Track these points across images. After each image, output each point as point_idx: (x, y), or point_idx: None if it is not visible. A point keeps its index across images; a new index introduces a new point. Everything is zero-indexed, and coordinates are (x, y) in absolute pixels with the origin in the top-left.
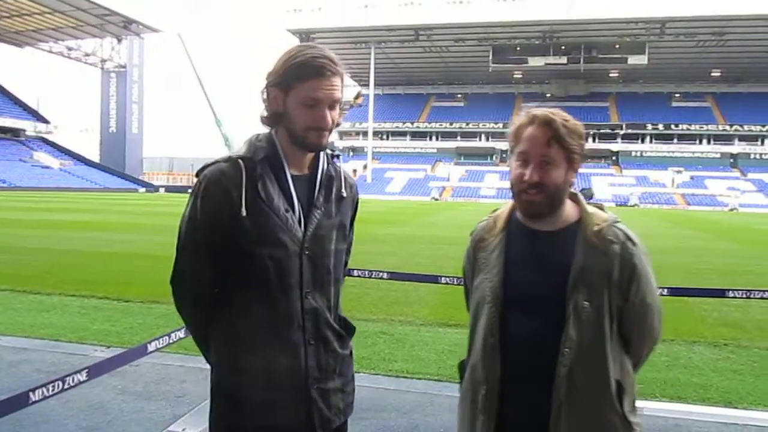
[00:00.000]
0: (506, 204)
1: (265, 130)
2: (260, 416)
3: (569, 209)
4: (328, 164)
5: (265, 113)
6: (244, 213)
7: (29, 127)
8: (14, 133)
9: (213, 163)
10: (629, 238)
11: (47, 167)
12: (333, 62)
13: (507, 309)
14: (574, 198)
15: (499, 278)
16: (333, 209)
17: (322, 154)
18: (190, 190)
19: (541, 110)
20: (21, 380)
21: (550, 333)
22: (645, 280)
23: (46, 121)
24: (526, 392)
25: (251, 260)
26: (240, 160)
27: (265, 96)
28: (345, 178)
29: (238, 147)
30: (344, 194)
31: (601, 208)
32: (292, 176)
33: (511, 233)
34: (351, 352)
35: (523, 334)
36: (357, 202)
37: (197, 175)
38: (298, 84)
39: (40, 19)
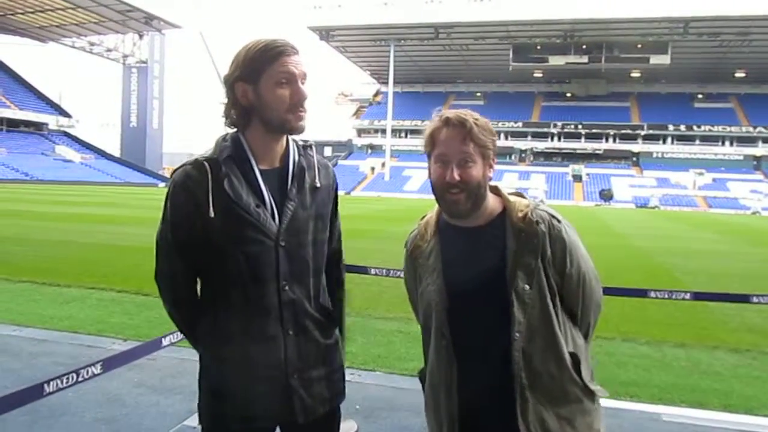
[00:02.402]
0: (433, 209)
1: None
2: (241, 407)
3: (492, 202)
4: (299, 156)
5: (233, 115)
6: (212, 214)
7: (51, 121)
8: (37, 127)
9: (182, 166)
10: (553, 216)
11: (69, 161)
12: (291, 42)
13: (454, 309)
14: (495, 191)
15: (441, 280)
16: (308, 200)
17: (292, 146)
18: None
19: (452, 112)
20: (40, 372)
21: (499, 323)
22: (576, 249)
23: (68, 115)
24: (485, 383)
25: (225, 257)
26: (205, 162)
27: (229, 97)
28: (319, 168)
29: (207, 148)
30: (319, 184)
31: (521, 196)
32: (262, 171)
33: (442, 236)
34: (337, 342)
35: (473, 329)
36: (336, 191)
37: (171, 176)
38: (269, 66)
39: (62, 15)
